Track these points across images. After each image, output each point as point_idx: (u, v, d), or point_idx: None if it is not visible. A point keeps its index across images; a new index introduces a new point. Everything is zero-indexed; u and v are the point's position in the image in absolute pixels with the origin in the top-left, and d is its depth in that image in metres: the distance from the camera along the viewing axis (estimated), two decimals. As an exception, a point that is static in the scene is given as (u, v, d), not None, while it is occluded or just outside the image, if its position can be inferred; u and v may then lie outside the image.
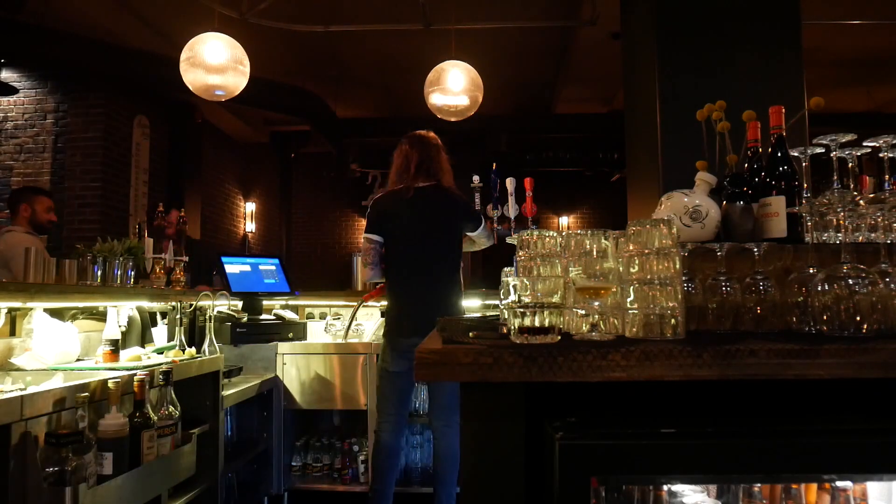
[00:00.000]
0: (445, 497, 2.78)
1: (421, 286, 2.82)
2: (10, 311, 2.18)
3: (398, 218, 2.86)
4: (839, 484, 1.21)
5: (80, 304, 2.46)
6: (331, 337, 3.56)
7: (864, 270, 1.14)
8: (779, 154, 1.50)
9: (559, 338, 1.08)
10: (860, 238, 1.49)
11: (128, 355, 2.40)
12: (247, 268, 3.60)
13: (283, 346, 3.35)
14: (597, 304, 1.15)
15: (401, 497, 3.33)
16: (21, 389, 1.82)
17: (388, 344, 2.81)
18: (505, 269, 1.63)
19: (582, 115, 7.87)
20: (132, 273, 2.71)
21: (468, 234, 3.06)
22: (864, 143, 1.26)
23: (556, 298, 1.09)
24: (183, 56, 3.55)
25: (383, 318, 3.61)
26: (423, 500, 3.30)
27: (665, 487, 1.19)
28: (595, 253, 1.19)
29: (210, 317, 2.89)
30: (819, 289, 1.16)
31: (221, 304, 3.33)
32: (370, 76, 7.03)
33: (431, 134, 3.15)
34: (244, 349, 3.27)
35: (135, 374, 2.02)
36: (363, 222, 11.05)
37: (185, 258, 3.41)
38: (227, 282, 3.40)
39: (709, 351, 0.96)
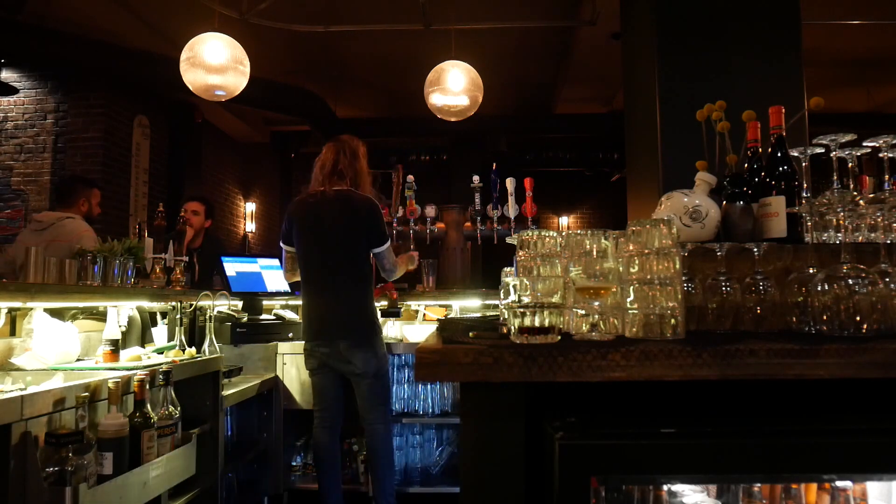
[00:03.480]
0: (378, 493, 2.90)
1: (320, 293, 2.86)
2: (11, 311, 2.18)
3: (302, 223, 2.90)
4: (839, 484, 1.21)
5: (80, 304, 2.46)
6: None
7: (864, 270, 1.14)
8: (779, 154, 1.50)
9: (559, 338, 1.08)
10: (860, 238, 1.49)
11: (128, 355, 2.40)
12: (247, 268, 3.60)
13: (283, 346, 3.35)
14: (597, 304, 1.15)
15: (401, 497, 3.33)
16: (21, 389, 1.82)
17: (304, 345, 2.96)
18: (505, 269, 1.63)
19: (582, 115, 7.87)
20: (132, 273, 2.71)
21: (372, 250, 2.94)
22: (864, 143, 1.26)
23: (556, 298, 1.09)
24: (183, 56, 3.55)
25: (383, 319, 3.62)
26: (423, 500, 3.30)
27: (665, 487, 1.19)
28: (595, 253, 1.19)
29: (210, 317, 2.89)
30: (819, 289, 1.16)
31: (221, 304, 3.33)
32: (370, 76, 7.03)
33: (353, 138, 3.10)
34: (244, 349, 3.27)
35: (135, 374, 2.02)
36: (363, 222, 11.03)
37: (185, 258, 3.41)
38: (227, 282, 3.40)
39: (709, 351, 0.96)
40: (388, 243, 2.97)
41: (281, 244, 3.00)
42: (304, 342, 2.93)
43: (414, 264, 3.29)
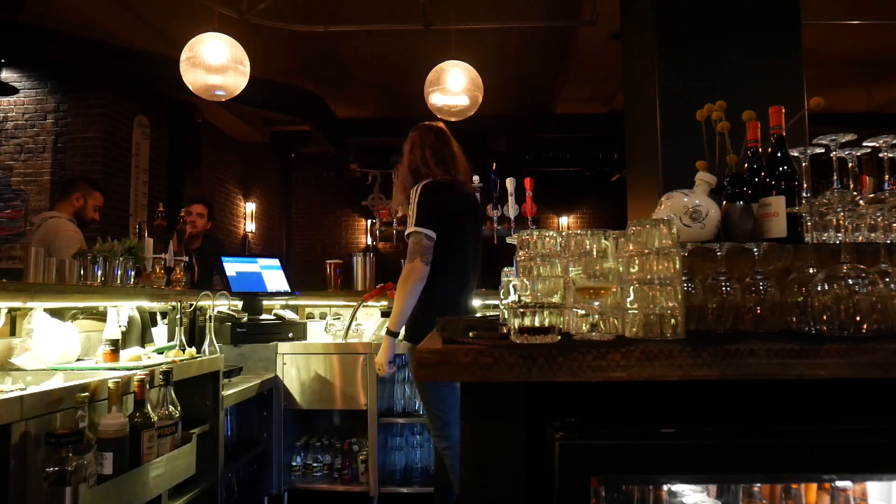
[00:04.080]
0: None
1: (463, 289, 2.64)
2: (11, 311, 2.18)
3: (453, 211, 2.57)
4: (839, 484, 1.21)
5: (81, 304, 2.46)
6: (331, 337, 3.56)
7: (864, 270, 1.14)
8: (779, 154, 1.50)
9: (559, 338, 1.08)
10: (860, 238, 1.49)
11: (128, 355, 2.40)
12: (247, 268, 3.60)
13: (283, 346, 3.35)
14: (597, 304, 1.15)
15: (401, 497, 3.34)
16: (21, 389, 1.82)
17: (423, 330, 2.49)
18: (505, 269, 1.63)
19: (582, 115, 7.87)
20: (132, 273, 2.71)
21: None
22: (864, 143, 1.26)
23: (556, 298, 1.09)
24: (183, 56, 3.55)
25: (383, 318, 3.62)
26: (423, 500, 3.30)
27: (665, 487, 1.19)
28: (595, 253, 1.19)
29: (210, 317, 2.89)
30: (819, 289, 1.16)
31: (221, 304, 3.33)
32: (370, 76, 7.03)
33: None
34: (244, 349, 3.27)
35: (135, 374, 2.02)
36: (363, 222, 11.02)
37: (185, 258, 3.41)
38: (227, 282, 3.40)
39: (709, 351, 0.96)
40: None
41: (425, 230, 2.47)
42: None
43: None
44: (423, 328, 2.39)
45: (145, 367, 2.24)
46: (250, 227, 9.24)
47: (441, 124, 2.76)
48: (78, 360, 2.40)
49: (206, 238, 4.45)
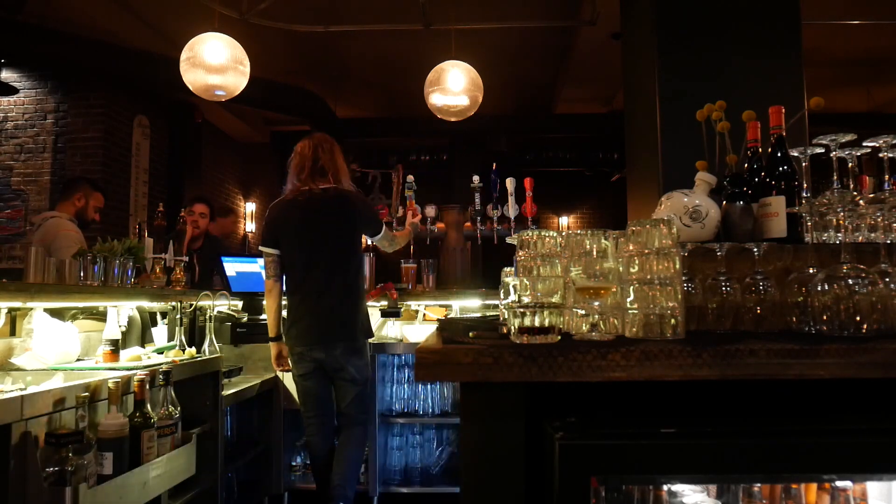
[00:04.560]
0: None
1: (315, 297, 2.75)
2: (11, 311, 2.18)
3: (288, 225, 2.79)
4: (839, 484, 1.21)
5: (80, 304, 2.46)
6: (331, 337, 3.55)
7: (864, 270, 1.14)
8: (779, 154, 1.50)
9: (559, 338, 1.08)
10: (860, 238, 1.49)
11: (128, 355, 2.40)
12: (247, 268, 3.60)
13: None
14: (597, 304, 1.15)
15: (401, 497, 3.34)
16: (21, 389, 1.82)
17: (289, 350, 2.83)
18: (505, 269, 1.63)
19: (582, 115, 7.87)
20: (132, 273, 2.71)
21: (370, 239, 3.03)
22: (864, 143, 1.26)
23: (556, 298, 1.09)
24: (183, 56, 3.55)
25: (383, 318, 3.62)
26: (423, 500, 3.30)
27: (665, 487, 1.19)
28: (595, 253, 1.19)
29: (210, 317, 2.89)
30: (819, 289, 1.16)
31: (221, 304, 3.33)
32: (370, 76, 7.03)
33: (326, 135, 2.99)
34: (244, 349, 3.27)
35: (135, 374, 2.02)
36: (363, 222, 11.02)
37: (185, 258, 3.41)
38: (227, 282, 3.40)
39: (709, 351, 0.96)
40: (384, 227, 3.02)
41: (261, 248, 2.85)
42: (291, 346, 2.79)
43: (417, 229, 3.43)
44: (288, 331, 2.81)
45: (145, 367, 2.24)
46: (250, 227, 9.24)
47: (305, 140, 2.89)
48: (78, 360, 2.40)
49: (206, 237, 4.45)
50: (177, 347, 2.62)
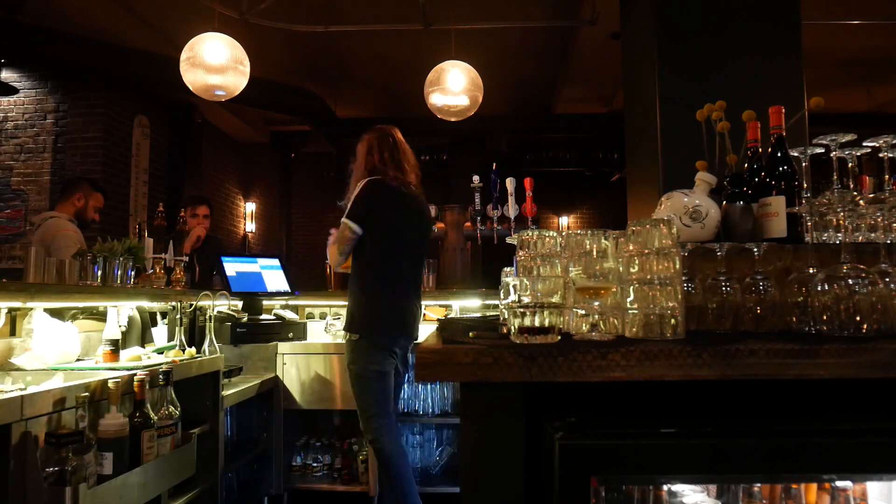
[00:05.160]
0: None
1: (407, 288, 2.70)
2: (10, 311, 2.18)
3: (395, 210, 2.65)
4: (839, 484, 1.21)
5: (80, 304, 2.46)
6: (331, 337, 3.56)
7: (864, 270, 1.14)
8: (779, 154, 1.50)
9: (559, 338, 1.08)
10: (860, 238, 1.49)
11: (128, 355, 2.40)
12: (247, 268, 3.60)
13: (283, 346, 3.35)
14: (597, 304, 1.15)
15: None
16: (21, 389, 1.82)
17: (373, 344, 2.58)
18: (505, 269, 1.63)
19: (582, 115, 7.87)
20: (132, 273, 2.71)
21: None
22: (864, 143, 1.26)
23: (556, 298, 1.09)
24: (183, 56, 3.55)
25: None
26: (423, 500, 3.29)
27: (665, 487, 1.19)
28: (595, 253, 1.19)
29: (210, 317, 2.88)
30: (819, 289, 1.16)
31: (221, 304, 3.33)
32: (370, 76, 7.03)
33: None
34: (244, 349, 3.27)
35: (135, 374, 2.02)
36: (363, 222, 10.97)
37: (185, 258, 3.41)
38: (227, 282, 3.40)
39: (709, 351, 0.96)
40: None
41: (352, 223, 2.60)
42: (375, 339, 2.59)
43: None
44: (360, 325, 2.61)
45: (145, 367, 2.24)
46: (250, 227, 9.24)
47: (396, 129, 2.81)
48: (78, 360, 2.40)
49: (206, 238, 4.45)
50: (177, 347, 2.62)
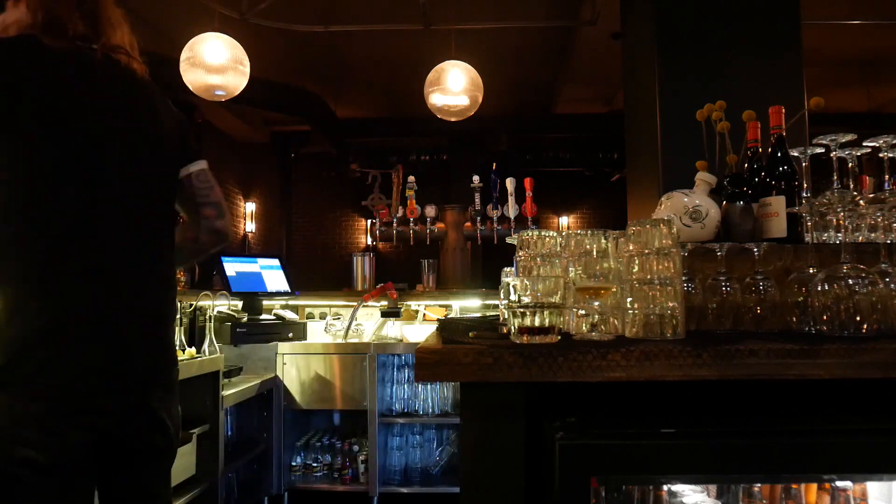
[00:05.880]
0: None
1: (99, 279, 1.26)
2: None
3: (61, 109, 1.25)
4: (839, 484, 1.21)
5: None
6: (331, 337, 3.56)
7: (864, 270, 1.14)
8: (779, 154, 1.50)
9: (559, 338, 1.08)
10: (860, 238, 1.49)
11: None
12: (247, 268, 3.60)
13: (283, 346, 3.35)
14: (597, 304, 1.15)
15: (401, 497, 3.34)
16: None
17: (9, 405, 1.18)
18: (505, 269, 1.63)
19: (582, 115, 7.87)
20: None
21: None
22: (864, 143, 1.26)
23: (556, 298, 1.09)
24: (183, 56, 3.55)
25: (383, 318, 3.61)
26: (423, 500, 3.30)
27: (665, 487, 1.19)
28: (595, 253, 1.19)
29: (210, 317, 2.89)
30: (819, 289, 1.16)
31: (221, 304, 3.33)
32: (370, 76, 7.03)
33: None
34: (244, 349, 3.27)
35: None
36: (363, 222, 11.03)
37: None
38: (227, 282, 3.40)
39: (709, 351, 0.96)
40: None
41: None
42: (15, 403, 1.20)
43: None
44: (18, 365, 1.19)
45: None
46: (250, 226, 9.24)
47: None
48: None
49: None
50: (177, 347, 2.63)
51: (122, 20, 1.50)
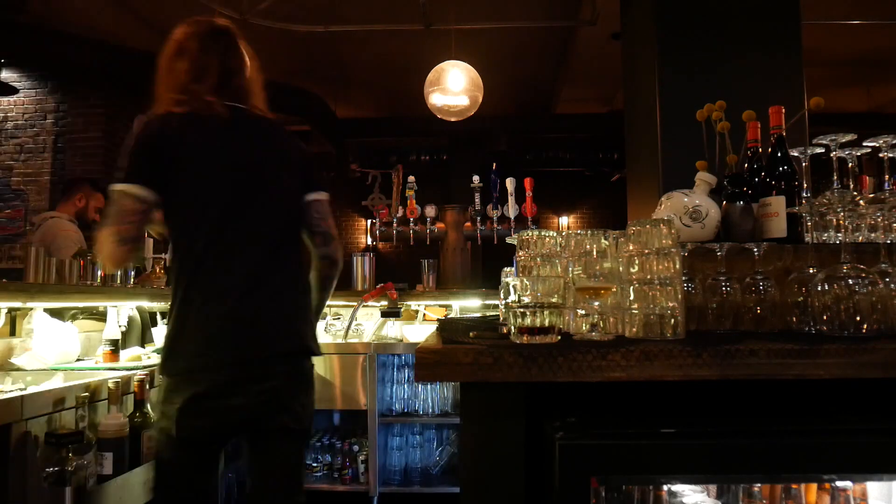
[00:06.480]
0: None
1: (237, 285, 1.55)
2: (11, 311, 2.18)
3: (194, 155, 1.62)
4: (839, 484, 1.21)
5: (80, 304, 2.46)
6: (331, 337, 3.56)
7: (864, 270, 1.14)
8: (779, 154, 1.50)
9: (559, 338, 1.08)
10: (860, 238, 1.49)
11: (128, 355, 2.40)
12: (247, 268, 3.60)
13: (283, 346, 3.35)
14: (597, 304, 1.15)
15: (401, 497, 3.33)
16: (21, 389, 1.82)
17: (171, 387, 1.53)
18: (505, 269, 1.63)
19: (582, 115, 7.87)
20: (132, 273, 2.71)
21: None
22: (864, 143, 1.26)
23: (556, 298, 1.09)
24: (183, 56, 3.54)
25: (383, 318, 3.61)
26: (423, 500, 3.30)
27: (665, 487, 1.19)
28: (595, 253, 1.19)
29: (210, 317, 2.88)
30: (819, 289, 1.16)
31: (221, 304, 3.33)
32: (370, 76, 7.03)
33: (224, 22, 1.89)
34: (244, 349, 3.26)
35: (135, 374, 2.02)
36: (363, 222, 11.04)
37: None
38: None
39: (709, 351, 0.96)
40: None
41: (129, 188, 1.64)
42: (177, 384, 1.56)
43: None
44: (169, 360, 1.54)
45: (145, 367, 2.24)
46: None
47: (222, 19, 1.90)
48: (78, 360, 2.40)
49: None
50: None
51: (258, 83, 1.94)
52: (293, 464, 1.70)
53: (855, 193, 1.24)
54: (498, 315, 1.82)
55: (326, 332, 3.61)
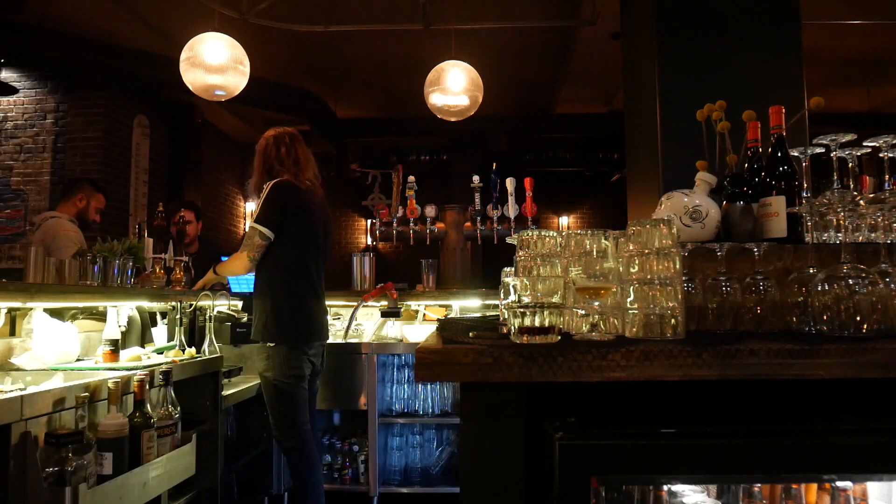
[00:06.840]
0: None
1: (317, 292, 2.76)
2: (10, 311, 2.18)
3: (302, 214, 2.70)
4: (839, 484, 1.21)
5: (80, 304, 2.45)
6: (331, 337, 3.56)
7: (864, 270, 1.14)
8: (779, 154, 1.50)
9: (559, 338, 1.08)
10: (860, 238, 1.49)
11: (128, 355, 2.39)
12: (247, 268, 3.60)
13: (283, 346, 3.34)
14: (597, 304, 1.15)
15: (401, 497, 3.34)
16: (21, 389, 1.82)
17: (292, 349, 2.62)
18: (505, 269, 1.63)
19: (582, 115, 7.87)
20: (132, 273, 2.71)
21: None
22: (864, 143, 1.26)
23: (556, 298, 1.09)
24: (183, 56, 3.54)
25: (383, 318, 3.61)
26: (423, 500, 3.30)
27: (665, 487, 1.19)
28: (595, 253, 1.19)
29: (210, 317, 2.88)
30: (819, 289, 1.16)
31: (221, 305, 3.33)
32: (370, 76, 7.03)
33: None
34: (244, 349, 3.27)
35: (135, 374, 2.02)
36: (363, 222, 11.00)
37: (186, 258, 3.41)
38: (227, 282, 3.40)
39: (709, 351, 0.96)
40: None
41: (264, 228, 2.61)
42: (293, 344, 2.63)
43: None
44: (276, 332, 2.63)
45: (145, 367, 2.24)
46: (250, 227, 9.24)
47: (293, 129, 2.87)
48: (78, 360, 2.40)
49: (201, 241, 4.47)
50: (177, 347, 2.62)
51: (310, 158, 2.84)
52: (314, 393, 2.90)
53: (855, 193, 1.24)
54: (498, 315, 1.82)
55: (326, 332, 3.61)
